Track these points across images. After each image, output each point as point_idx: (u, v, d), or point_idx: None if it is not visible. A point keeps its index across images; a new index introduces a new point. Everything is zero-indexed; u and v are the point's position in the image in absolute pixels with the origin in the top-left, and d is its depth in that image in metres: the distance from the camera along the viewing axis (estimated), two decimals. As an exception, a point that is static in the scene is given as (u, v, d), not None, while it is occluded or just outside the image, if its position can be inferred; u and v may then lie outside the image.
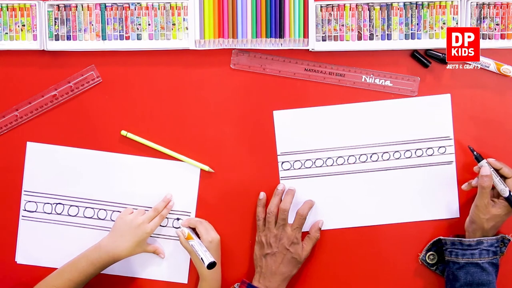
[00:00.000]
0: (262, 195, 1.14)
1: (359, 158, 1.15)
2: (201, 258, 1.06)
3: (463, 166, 1.14)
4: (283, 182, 1.15)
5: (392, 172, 1.15)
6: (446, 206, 1.15)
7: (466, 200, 1.14)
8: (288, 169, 1.15)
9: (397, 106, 1.14)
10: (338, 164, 1.15)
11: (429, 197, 1.15)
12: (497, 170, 1.08)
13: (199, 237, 1.11)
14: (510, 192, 1.06)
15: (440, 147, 1.15)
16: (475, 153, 1.09)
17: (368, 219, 1.16)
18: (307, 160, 1.15)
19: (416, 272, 1.16)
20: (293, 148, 1.15)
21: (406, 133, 1.15)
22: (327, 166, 1.15)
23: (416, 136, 1.15)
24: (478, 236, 1.08)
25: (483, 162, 1.08)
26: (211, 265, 1.05)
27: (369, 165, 1.15)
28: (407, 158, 1.15)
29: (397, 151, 1.15)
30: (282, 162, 1.15)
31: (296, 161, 1.15)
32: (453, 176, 1.15)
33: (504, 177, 1.08)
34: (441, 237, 1.12)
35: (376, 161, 1.15)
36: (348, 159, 1.15)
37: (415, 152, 1.15)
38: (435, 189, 1.15)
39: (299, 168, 1.15)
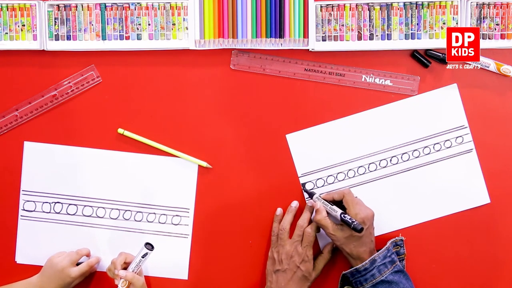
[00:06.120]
0: (279, 211, 1.14)
1: (379, 164, 1.14)
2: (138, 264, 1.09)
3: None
4: (310, 202, 1.13)
5: (415, 171, 1.14)
6: (475, 194, 1.14)
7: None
8: (312, 189, 1.15)
9: (407, 105, 1.14)
10: (360, 174, 1.15)
11: (456, 188, 1.14)
12: (330, 201, 1.11)
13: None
14: (340, 214, 1.06)
15: (457, 137, 1.14)
16: (308, 191, 1.14)
17: (398, 223, 1.14)
18: (329, 176, 1.15)
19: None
20: (313, 167, 1.15)
21: (421, 130, 1.14)
22: (350, 178, 1.15)
23: (431, 131, 1.14)
24: (368, 257, 1.06)
25: (314, 197, 1.12)
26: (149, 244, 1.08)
27: (391, 169, 1.14)
28: (426, 154, 1.14)
29: (416, 150, 1.14)
30: (305, 183, 1.15)
31: (318, 179, 1.15)
32: (475, 163, 1.14)
33: (339, 203, 1.10)
34: (344, 272, 1.10)
35: (397, 163, 1.14)
36: (369, 167, 1.15)
37: (434, 147, 1.14)
38: (460, 179, 1.14)
39: (323, 186, 1.15)
